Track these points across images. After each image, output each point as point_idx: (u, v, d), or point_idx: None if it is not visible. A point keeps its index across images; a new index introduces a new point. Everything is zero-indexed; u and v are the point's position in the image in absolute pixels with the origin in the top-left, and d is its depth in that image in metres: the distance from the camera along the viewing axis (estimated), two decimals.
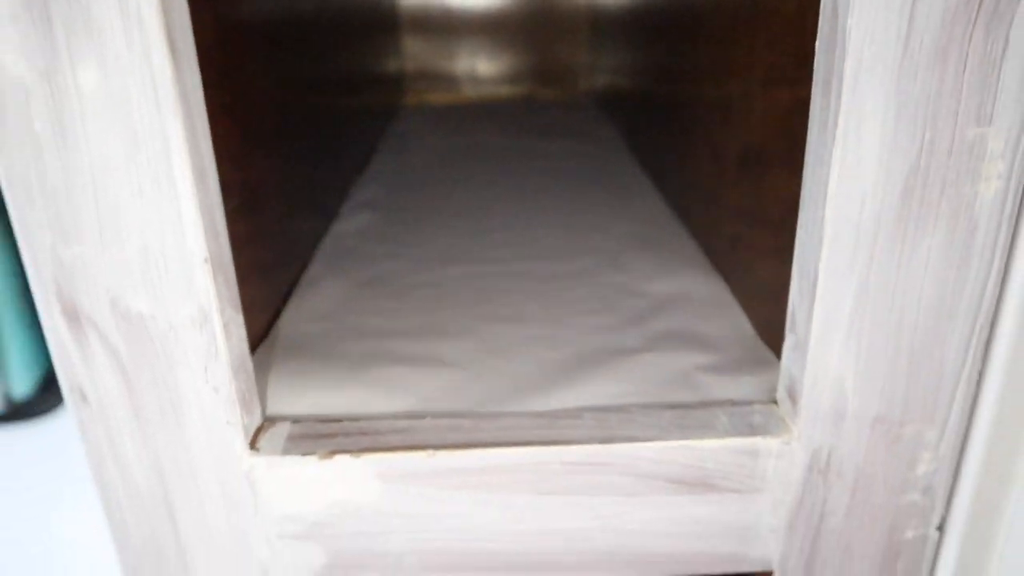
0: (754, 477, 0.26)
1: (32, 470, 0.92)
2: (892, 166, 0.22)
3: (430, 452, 0.25)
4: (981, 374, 0.25)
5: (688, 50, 0.43)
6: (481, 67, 0.87)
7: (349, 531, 0.26)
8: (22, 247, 0.24)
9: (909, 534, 0.27)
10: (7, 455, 0.90)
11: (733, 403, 0.27)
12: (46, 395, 0.86)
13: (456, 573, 0.27)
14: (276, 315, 0.35)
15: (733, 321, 0.32)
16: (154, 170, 0.22)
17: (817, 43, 0.23)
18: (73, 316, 0.24)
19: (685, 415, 0.27)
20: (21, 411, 0.85)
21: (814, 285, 0.24)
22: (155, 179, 0.22)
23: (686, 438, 0.26)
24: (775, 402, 0.27)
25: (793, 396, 0.26)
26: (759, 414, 0.27)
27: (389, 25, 0.78)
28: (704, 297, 0.34)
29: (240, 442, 0.25)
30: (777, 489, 0.26)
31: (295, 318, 0.34)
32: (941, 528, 0.28)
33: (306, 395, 0.29)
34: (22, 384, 0.83)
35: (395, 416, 0.27)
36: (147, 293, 0.23)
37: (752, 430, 0.26)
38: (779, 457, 0.26)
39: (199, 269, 0.23)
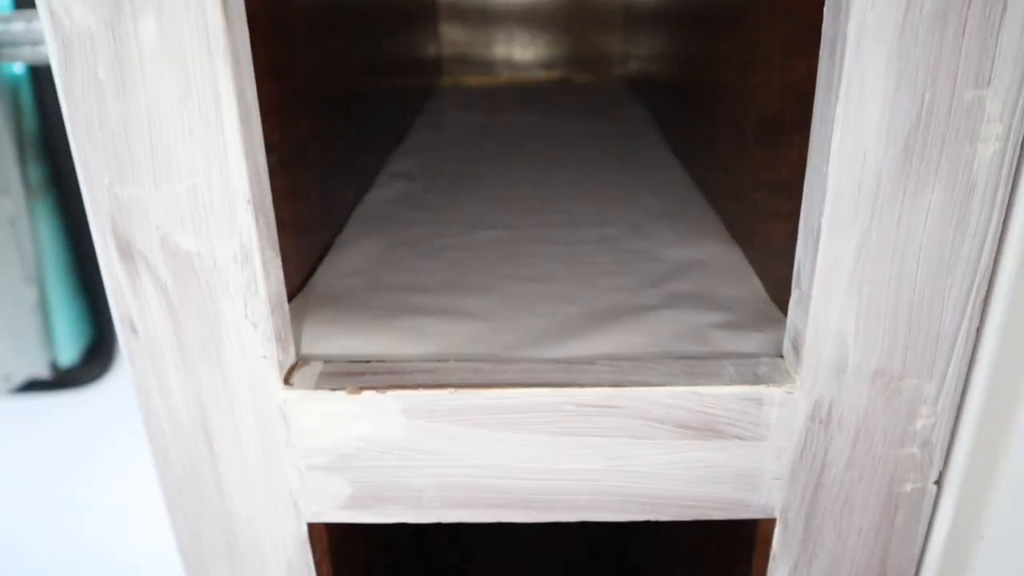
0: (758, 425, 0.27)
1: (75, 434, 0.96)
2: (893, 125, 0.24)
3: (451, 391, 0.27)
4: (979, 331, 0.26)
5: (711, 33, 0.45)
6: (517, 54, 0.88)
7: (373, 464, 0.28)
8: (83, 187, 0.26)
9: (908, 487, 0.29)
10: (53, 419, 0.94)
11: (741, 355, 0.29)
12: (90, 365, 0.90)
13: (473, 509, 0.29)
14: (312, 272, 0.37)
15: (747, 285, 0.34)
16: (204, 115, 0.24)
17: (824, 8, 0.24)
18: (126, 252, 0.26)
19: (694, 364, 0.28)
20: (66, 379, 0.89)
21: (817, 239, 0.25)
22: (205, 123, 0.24)
23: (694, 384, 0.27)
24: (781, 356, 0.29)
25: (797, 348, 0.27)
26: (765, 365, 0.28)
27: (427, 11, 0.80)
28: (720, 263, 0.36)
29: (275, 376, 0.27)
30: (780, 437, 0.28)
31: (329, 274, 0.36)
32: (939, 483, 0.29)
33: (338, 340, 0.30)
34: (68, 353, 0.87)
35: (420, 359, 0.29)
36: (194, 231, 0.25)
37: (757, 379, 0.27)
38: (782, 406, 0.27)
39: (242, 209, 0.25)
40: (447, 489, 0.28)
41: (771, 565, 0.30)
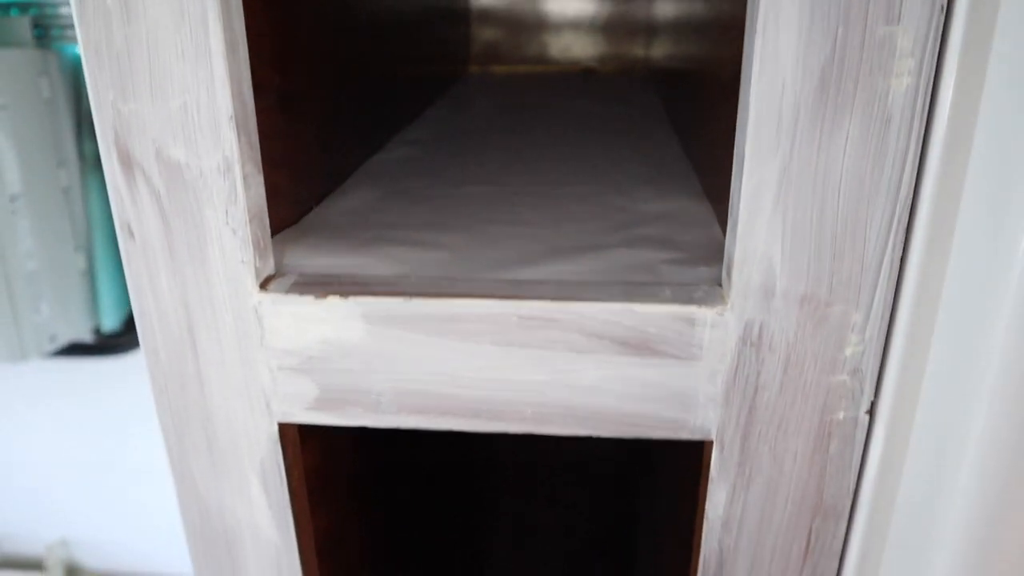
0: (691, 345, 0.29)
1: (112, 398, 1.01)
2: (808, 58, 0.25)
3: (406, 298, 0.29)
4: (903, 262, 0.28)
5: (702, 30, 0.47)
6: (547, 54, 0.92)
7: (337, 367, 0.31)
8: (92, 104, 0.29)
9: (840, 415, 0.30)
10: (92, 382, 1.00)
11: (681, 283, 0.31)
12: (131, 333, 0.95)
13: (427, 415, 0.31)
14: (306, 214, 0.40)
15: (707, 232, 0.36)
16: (195, 40, 0.27)
17: None
18: (126, 162, 0.29)
19: (636, 287, 0.30)
20: (107, 344, 0.94)
21: (742, 167, 0.27)
22: (196, 47, 0.27)
23: (630, 302, 0.29)
24: (720, 285, 0.30)
25: (730, 273, 0.29)
26: (702, 291, 0.30)
27: (458, 15, 0.84)
28: (688, 215, 0.38)
29: (251, 280, 0.30)
30: (713, 358, 0.29)
31: (323, 213, 0.39)
32: (871, 413, 0.30)
33: (317, 261, 0.33)
34: (110, 319, 0.92)
35: (385, 275, 0.32)
36: (184, 144, 0.29)
37: (691, 301, 0.29)
38: (714, 327, 0.29)
39: (225, 125, 0.28)
40: (403, 395, 0.31)
41: (710, 487, 0.32)
